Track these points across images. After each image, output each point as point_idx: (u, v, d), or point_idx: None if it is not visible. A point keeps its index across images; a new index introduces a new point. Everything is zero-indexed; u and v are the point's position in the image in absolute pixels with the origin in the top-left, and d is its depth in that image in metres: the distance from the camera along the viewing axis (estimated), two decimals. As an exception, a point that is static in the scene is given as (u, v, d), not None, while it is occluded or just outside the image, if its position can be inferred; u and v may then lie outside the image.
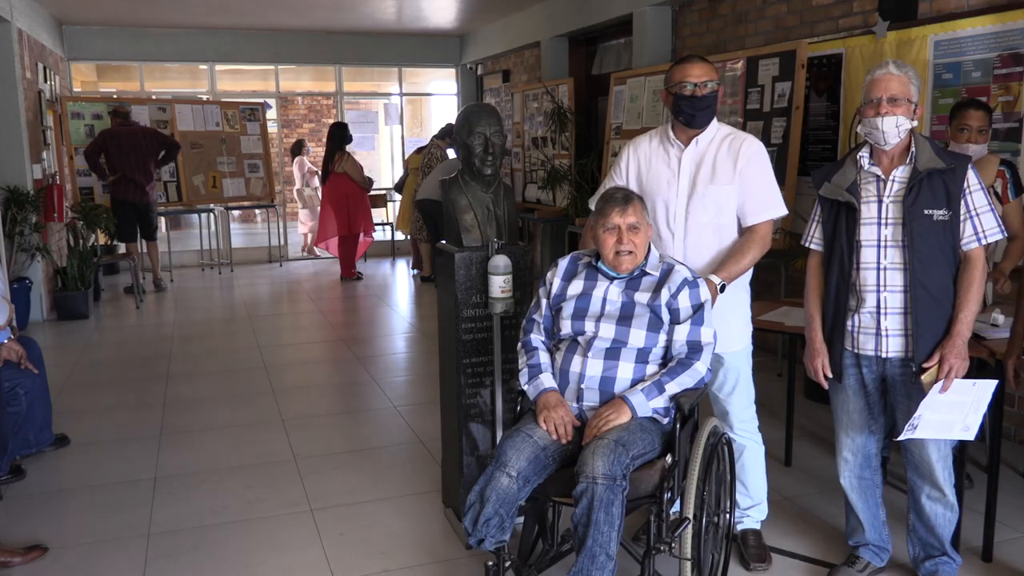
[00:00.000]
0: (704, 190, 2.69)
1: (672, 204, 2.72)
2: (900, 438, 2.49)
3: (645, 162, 2.82)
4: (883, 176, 2.48)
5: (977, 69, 3.93)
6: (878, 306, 2.49)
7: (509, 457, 2.30)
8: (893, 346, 2.50)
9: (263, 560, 2.97)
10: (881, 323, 2.50)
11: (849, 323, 2.55)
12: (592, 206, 2.96)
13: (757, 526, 2.94)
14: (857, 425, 2.68)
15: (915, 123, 2.46)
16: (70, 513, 3.37)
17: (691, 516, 2.33)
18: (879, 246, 2.48)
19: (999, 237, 2.46)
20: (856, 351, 2.56)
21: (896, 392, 2.57)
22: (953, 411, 2.42)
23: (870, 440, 2.70)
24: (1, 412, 3.43)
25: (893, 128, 2.41)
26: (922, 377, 2.44)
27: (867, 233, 2.49)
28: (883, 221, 2.47)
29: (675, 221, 2.73)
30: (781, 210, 2.75)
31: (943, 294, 2.44)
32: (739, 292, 2.80)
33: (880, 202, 2.48)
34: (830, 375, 2.59)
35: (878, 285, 2.48)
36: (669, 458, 2.39)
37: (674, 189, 2.73)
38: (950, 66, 4.06)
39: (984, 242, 2.43)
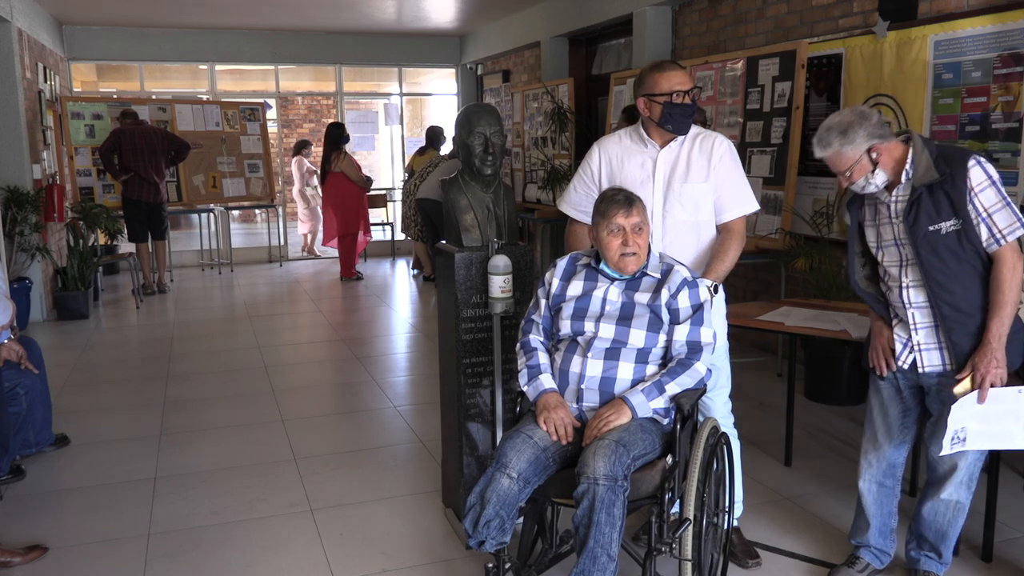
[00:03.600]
0: (680, 189, 2.73)
1: (648, 204, 2.72)
2: (943, 453, 2.42)
3: (617, 162, 2.83)
4: (885, 198, 2.45)
5: (977, 69, 3.93)
6: (909, 322, 2.47)
7: (510, 458, 2.29)
8: (928, 360, 2.47)
9: (263, 560, 2.97)
10: (913, 338, 2.48)
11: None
12: (563, 208, 3.00)
13: (735, 523, 2.95)
14: (887, 433, 2.65)
15: (881, 173, 2.38)
16: (70, 513, 3.37)
17: (691, 517, 2.33)
18: (900, 265, 2.46)
19: (1020, 233, 2.31)
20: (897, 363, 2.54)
21: (932, 402, 2.53)
22: (1005, 420, 2.34)
23: (898, 450, 2.67)
24: (1, 412, 3.43)
25: (861, 186, 2.41)
26: (954, 389, 2.37)
27: (890, 255, 2.47)
28: (899, 242, 2.44)
29: (653, 220, 2.74)
30: (754, 206, 2.81)
31: (970, 305, 2.36)
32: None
33: (891, 223, 2.45)
34: (895, 348, 2.51)
35: (904, 303, 2.47)
36: (669, 459, 2.39)
37: (649, 189, 2.75)
38: (950, 66, 4.07)
39: (1004, 242, 2.30)
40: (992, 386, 2.33)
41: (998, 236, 2.31)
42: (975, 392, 2.33)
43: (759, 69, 5.21)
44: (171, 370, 5.46)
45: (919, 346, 2.47)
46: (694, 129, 2.81)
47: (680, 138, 2.77)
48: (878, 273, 2.57)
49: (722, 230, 2.80)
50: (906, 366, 2.51)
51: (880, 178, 2.39)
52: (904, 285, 2.45)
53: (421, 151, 8.96)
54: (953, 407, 2.35)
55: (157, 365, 5.60)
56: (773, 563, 2.91)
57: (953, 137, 4.06)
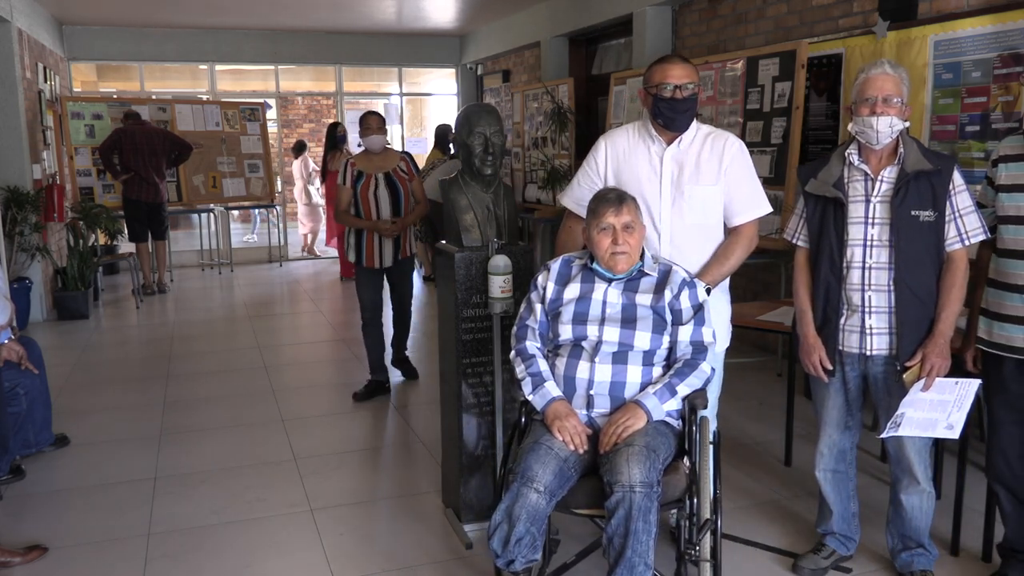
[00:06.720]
0: (691, 191, 2.64)
1: (656, 204, 2.66)
2: (882, 435, 2.54)
3: (624, 157, 2.73)
4: (871, 175, 2.51)
5: (977, 69, 3.93)
6: (862, 304, 2.52)
7: (535, 472, 2.20)
8: (877, 344, 2.53)
9: (263, 560, 2.97)
10: (865, 321, 2.53)
11: (838, 320, 2.57)
12: (564, 202, 2.91)
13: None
14: (834, 422, 2.73)
15: (907, 124, 2.49)
16: (70, 513, 3.37)
17: (709, 517, 2.32)
18: (865, 245, 2.51)
19: (982, 238, 2.48)
20: (841, 348, 2.59)
21: (878, 390, 2.61)
22: (936, 409, 2.46)
23: (845, 436, 2.75)
24: (1, 412, 3.42)
25: (887, 128, 2.44)
26: (904, 376, 2.48)
27: (854, 232, 2.52)
28: (870, 221, 2.50)
29: (661, 221, 2.67)
30: (766, 208, 2.74)
31: (927, 294, 2.48)
32: (720, 294, 2.78)
33: (868, 201, 2.51)
34: (829, 367, 2.60)
35: (863, 284, 2.52)
36: (686, 460, 2.38)
37: (656, 188, 2.67)
38: (950, 66, 4.06)
39: (967, 243, 2.47)
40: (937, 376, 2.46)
41: (964, 236, 2.46)
42: (922, 381, 2.44)
43: (759, 69, 5.21)
44: (171, 370, 5.46)
45: (871, 330, 2.53)
46: (705, 128, 2.71)
47: (689, 136, 2.67)
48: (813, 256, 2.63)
49: (730, 233, 2.72)
50: (856, 351, 2.57)
51: (896, 130, 2.45)
52: (867, 266, 2.50)
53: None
54: (905, 399, 2.45)
55: (157, 365, 5.60)
56: (771, 562, 2.91)
57: (953, 137, 4.06)
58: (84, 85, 12.17)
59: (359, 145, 4.84)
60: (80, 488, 3.62)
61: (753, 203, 2.71)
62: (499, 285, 2.85)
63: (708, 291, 2.61)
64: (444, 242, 3.23)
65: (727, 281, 2.80)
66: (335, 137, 8.68)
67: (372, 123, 4.76)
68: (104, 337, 6.55)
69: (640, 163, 2.70)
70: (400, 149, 5.24)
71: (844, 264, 2.53)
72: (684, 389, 2.39)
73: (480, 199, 3.14)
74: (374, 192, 4.66)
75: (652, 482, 2.14)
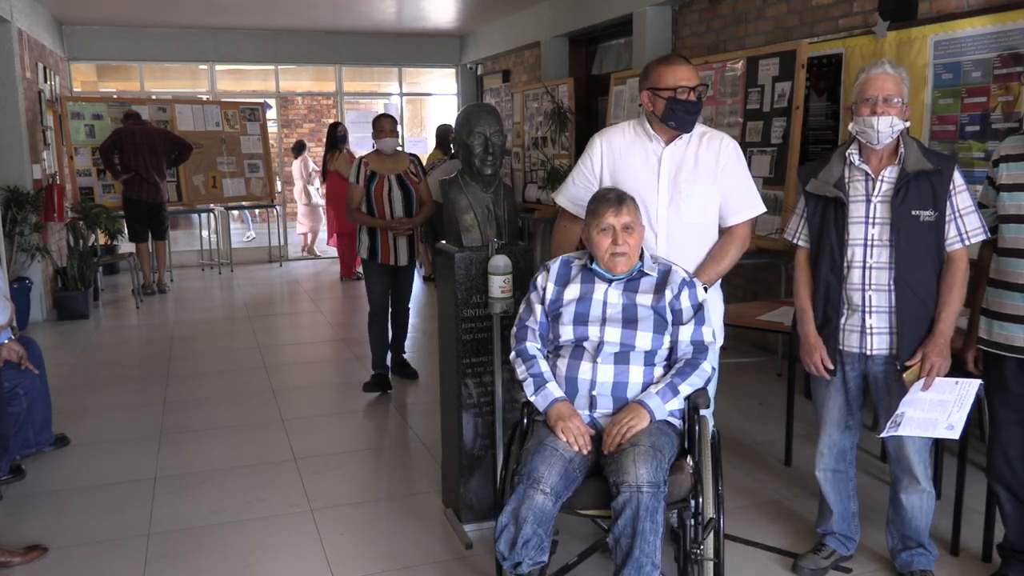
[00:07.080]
0: (688, 190, 2.65)
1: (653, 203, 2.66)
2: (882, 435, 2.55)
3: (620, 156, 2.73)
4: (872, 175, 2.52)
5: (977, 69, 3.93)
6: (863, 304, 2.53)
7: (541, 473, 2.20)
8: (877, 344, 2.54)
9: (263, 560, 2.97)
10: (866, 321, 2.54)
11: (839, 320, 2.58)
12: (559, 200, 2.90)
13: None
14: (834, 421, 2.73)
15: (908, 124, 2.50)
16: (70, 513, 3.37)
17: (713, 515, 2.32)
18: (866, 245, 2.51)
19: (982, 238, 2.50)
20: (841, 347, 2.60)
21: (878, 389, 2.61)
22: (936, 409, 2.47)
23: (845, 436, 2.75)
24: (1, 412, 3.42)
25: (887, 128, 2.45)
26: (904, 375, 2.49)
27: (854, 232, 2.53)
28: (870, 220, 2.50)
29: (658, 221, 2.67)
30: (760, 208, 2.75)
31: (927, 294, 2.48)
32: (714, 292, 2.79)
33: (868, 201, 2.51)
34: (831, 366, 2.60)
35: (863, 283, 2.52)
36: (690, 460, 2.38)
37: (653, 188, 2.66)
38: (950, 66, 4.06)
39: (968, 243, 2.48)
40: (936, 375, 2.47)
41: (964, 236, 2.47)
42: (922, 380, 2.45)
43: (759, 69, 5.21)
44: (171, 370, 5.46)
45: (871, 329, 2.54)
46: (699, 128, 2.72)
47: (686, 136, 2.68)
48: (814, 256, 2.64)
49: (724, 233, 2.74)
50: (856, 350, 2.57)
51: (896, 130, 2.46)
52: (868, 266, 2.51)
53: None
54: (905, 398, 2.46)
55: (157, 365, 5.60)
56: (771, 562, 2.91)
57: (953, 137, 4.06)
58: (84, 85, 12.17)
59: (373, 145, 4.89)
60: (80, 488, 3.62)
61: (748, 204, 2.73)
62: (499, 285, 2.85)
63: (705, 290, 2.61)
64: (444, 242, 3.23)
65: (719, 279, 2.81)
66: (335, 137, 8.70)
67: (386, 126, 4.85)
68: (104, 337, 6.55)
69: (637, 162, 2.70)
70: (401, 150, 5.39)
71: (845, 264, 2.54)
72: (686, 388, 2.39)
73: (480, 199, 3.14)
74: (388, 193, 4.77)
75: (659, 482, 2.14)
